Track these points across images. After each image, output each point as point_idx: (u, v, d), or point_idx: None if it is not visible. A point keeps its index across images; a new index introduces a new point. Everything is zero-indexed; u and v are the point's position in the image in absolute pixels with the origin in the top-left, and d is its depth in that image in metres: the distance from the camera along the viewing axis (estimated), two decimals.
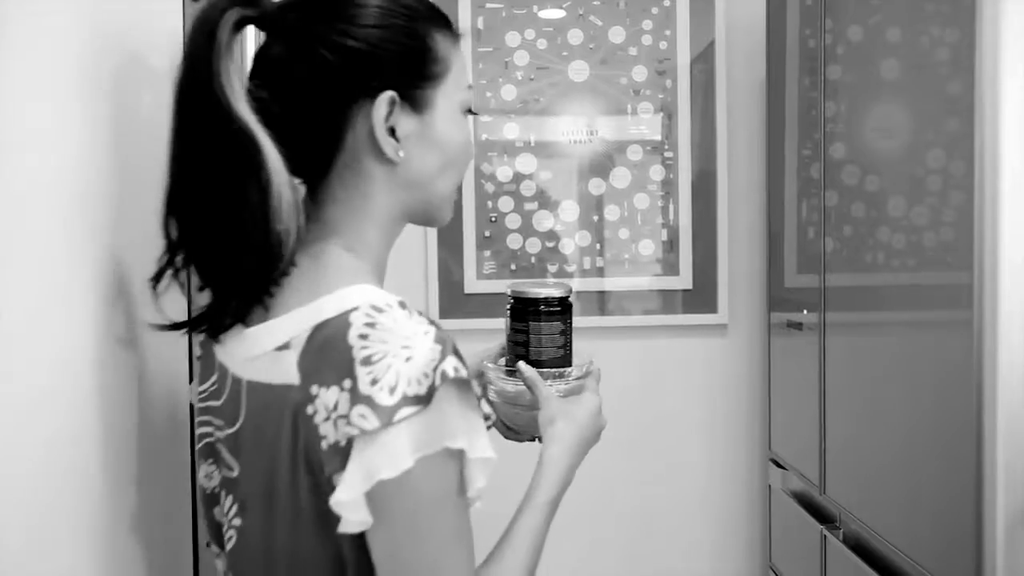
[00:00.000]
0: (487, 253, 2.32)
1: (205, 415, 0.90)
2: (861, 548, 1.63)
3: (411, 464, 0.73)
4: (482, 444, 0.78)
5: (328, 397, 0.74)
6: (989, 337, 1.17)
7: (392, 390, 0.73)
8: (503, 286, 2.40)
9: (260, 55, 0.84)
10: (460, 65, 0.89)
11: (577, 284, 2.34)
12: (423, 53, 0.86)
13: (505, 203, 2.32)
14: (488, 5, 2.31)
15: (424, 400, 0.73)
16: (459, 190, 0.98)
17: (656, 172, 2.34)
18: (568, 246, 2.34)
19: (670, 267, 2.35)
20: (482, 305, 2.31)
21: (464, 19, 2.30)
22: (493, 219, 2.32)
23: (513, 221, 2.33)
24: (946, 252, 1.30)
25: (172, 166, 0.80)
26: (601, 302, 2.35)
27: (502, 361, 1.16)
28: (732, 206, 2.38)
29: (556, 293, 1.10)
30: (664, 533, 2.42)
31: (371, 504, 0.74)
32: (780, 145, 2.11)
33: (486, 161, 2.31)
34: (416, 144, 0.86)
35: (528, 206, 2.33)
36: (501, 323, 2.25)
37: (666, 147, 2.34)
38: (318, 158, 0.85)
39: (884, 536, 1.51)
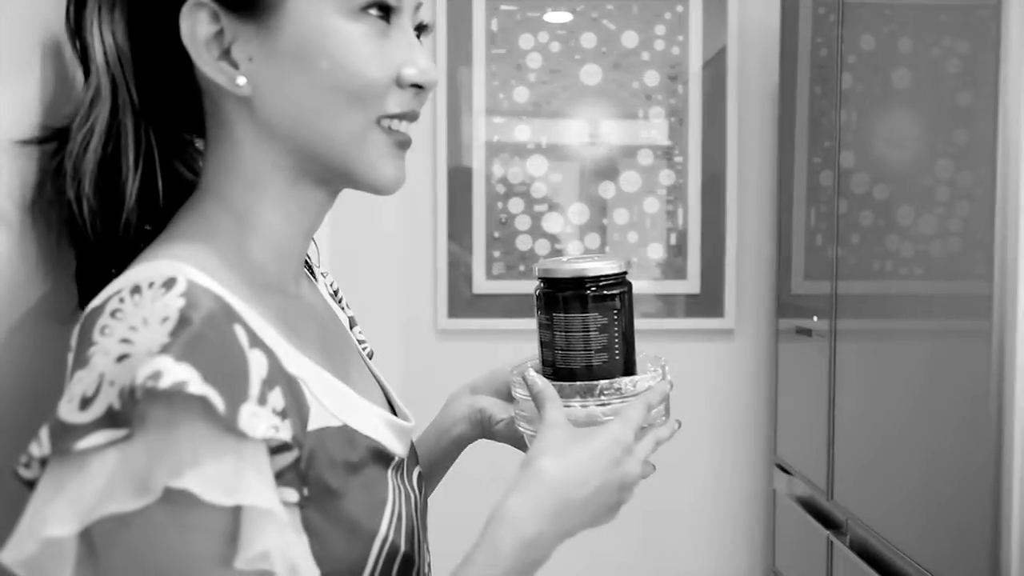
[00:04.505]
0: (496, 254, 2.33)
1: None
2: (869, 555, 1.64)
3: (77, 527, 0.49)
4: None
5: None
6: (1009, 346, 1.18)
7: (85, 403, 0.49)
8: (512, 287, 2.43)
9: None
10: None
11: None
12: None
13: (515, 204, 2.33)
14: (502, 7, 2.31)
15: (123, 421, 0.49)
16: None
17: (666, 177, 2.35)
18: (576, 249, 2.35)
19: (678, 271, 2.35)
20: (491, 306, 2.31)
21: (478, 21, 2.30)
22: (503, 220, 2.33)
23: (523, 223, 2.33)
24: (964, 261, 1.30)
25: None
26: None
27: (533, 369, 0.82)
28: (741, 211, 2.38)
29: (592, 269, 0.74)
30: (668, 537, 2.42)
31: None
32: (790, 152, 2.12)
33: (497, 162, 2.32)
34: (265, 65, 0.59)
35: (538, 208, 2.34)
36: (511, 324, 2.27)
37: (676, 152, 2.35)
38: (170, 101, 0.65)
39: (894, 543, 1.52)
